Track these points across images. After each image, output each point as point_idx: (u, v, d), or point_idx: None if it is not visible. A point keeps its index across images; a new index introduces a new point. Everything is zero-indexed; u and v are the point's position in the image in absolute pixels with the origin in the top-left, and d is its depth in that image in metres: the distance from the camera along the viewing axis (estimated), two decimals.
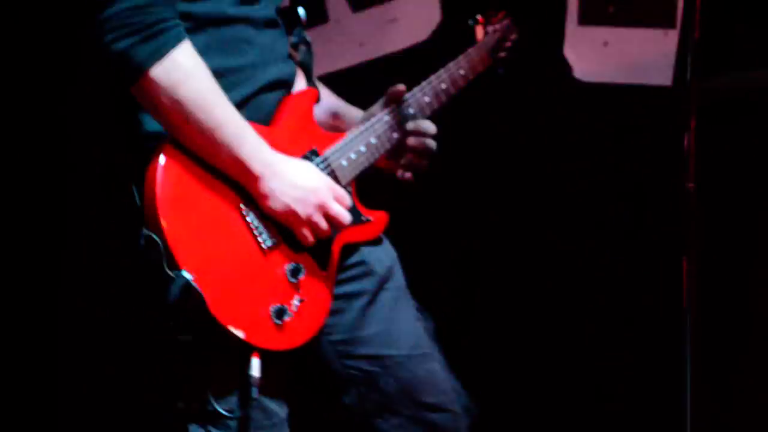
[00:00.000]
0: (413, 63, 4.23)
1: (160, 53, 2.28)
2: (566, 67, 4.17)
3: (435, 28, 4.31)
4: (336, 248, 2.54)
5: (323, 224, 2.46)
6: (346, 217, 2.50)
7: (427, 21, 4.33)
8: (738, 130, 3.82)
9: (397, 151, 2.72)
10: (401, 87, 2.71)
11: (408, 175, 2.71)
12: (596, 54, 4.16)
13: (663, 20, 4.08)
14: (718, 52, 3.63)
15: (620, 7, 4.13)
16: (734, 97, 3.77)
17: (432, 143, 2.71)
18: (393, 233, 2.71)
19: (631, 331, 4.05)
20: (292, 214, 2.42)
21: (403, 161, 2.73)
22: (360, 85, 4.24)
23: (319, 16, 4.45)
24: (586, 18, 4.17)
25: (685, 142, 2.72)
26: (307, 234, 2.45)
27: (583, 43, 4.17)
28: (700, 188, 2.76)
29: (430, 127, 2.72)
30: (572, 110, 4.16)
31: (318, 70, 4.32)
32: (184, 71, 2.30)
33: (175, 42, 2.30)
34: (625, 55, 4.13)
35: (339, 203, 2.50)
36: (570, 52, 4.18)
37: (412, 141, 2.70)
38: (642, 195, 4.04)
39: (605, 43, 4.15)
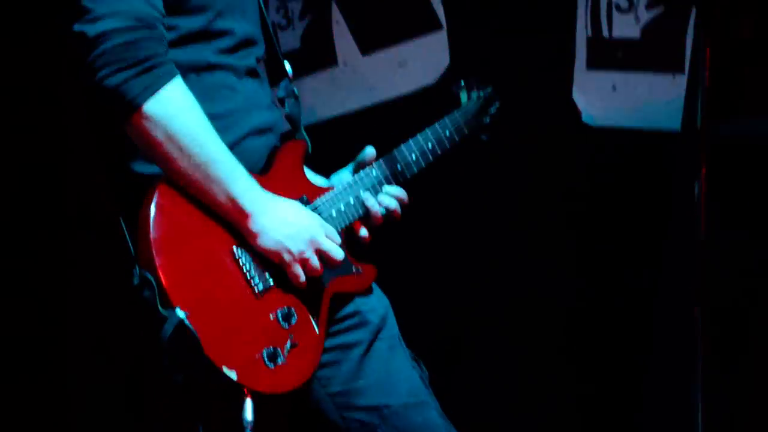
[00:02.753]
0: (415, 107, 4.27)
1: (153, 88, 2.29)
2: (575, 112, 4.18)
3: (443, 72, 4.33)
4: (328, 295, 2.55)
5: (315, 261, 2.47)
6: (338, 252, 2.51)
7: (436, 65, 4.34)
8: (748, 176, 3.82)
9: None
10: (371, 153, 2.73)
11: (366, 234, 2.69)
12: (605, 98, 4.16)
13: (671, 65, 4.08)
14: (728, 97, 3.64)
15: (628, 52, 4.14)
16: (744, 144, 3.77)
17: (399, 210, 2.71)
18: (385, 281, 2.71)
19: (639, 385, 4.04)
20: (284, 250, 2.43)
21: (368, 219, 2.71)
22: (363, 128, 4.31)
23: (329, 58, 4.48)
24: (595, 62, 4.18)
25: (696, 189, 2.72)
26: (299, 272, 2.45)
27: (592, 88, 4.18)
28: (711, 234, 2.76)
29: (402, 194, 2.73)
30: (581, 155, 4.16)
31: (327, 112, 4.41)
32: (178, 106, 2.31)
33: (168, 77, 2.31)
34: (633, 100, 4.13)
35: (330, 240, 2.51)
36: (578, 97, 4.19)
37: (385, 201, 2.70)
38: (652, 242, 4.03)
39: (614, 87, 4.16)
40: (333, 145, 2.97)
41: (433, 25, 4.35)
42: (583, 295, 4.15)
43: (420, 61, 4.37)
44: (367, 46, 4.45)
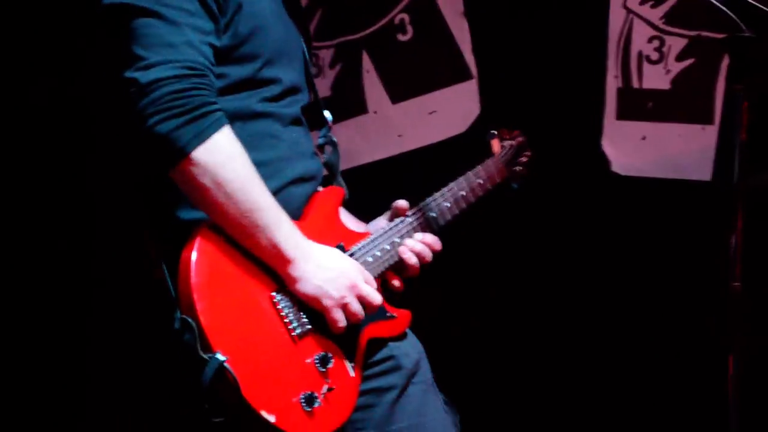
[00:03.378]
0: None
1: (203, 136, 2.32)
2: (605, 162, 4.19)
3: (473, 121, 4.35)
4: (363, 340, 2.58)
5: (355, 305, 2.49)
6: (376, 297, 2.53)
7: (466, 114, 4.37)
8: None
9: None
10: (404, 204, 2.77)
11: (399, 284, 2.72)
12: (634, 148, 4.17)
13: (700, 116, 4.10)
14: (761, 149, 3.65)
15: (658, 103, 4.16)
16: None
17: (430, 257, 2.74)
18: (420, 325, 2.74)
19: None
20: (324, 295, 2.45)
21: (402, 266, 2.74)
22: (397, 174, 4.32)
23: (358, 106, 4.50)
24: (625, 112, 4.20)
25: (732, 242, 2.72)
26: (339, 316, 2.47)
27: (622, 138, 4.19)
28: (747, 288, 2.75)
29: (436, 241, 2.77)
30: (610, 205, 4.17)
31: (358, 160, 4.42)
32: (226, 154, 2.34)
33: (217, 125, 2.34)
34: (663, 150, 4.14)
35: (369, 285, 2.53)
36: (608, 147, 4.20)
37: (418, 248, 2.73)
38: (687, 294, 4.03)
39: (643, 138, 4.17)
40: (369, 190, 2.99)
41: (463, 75, 4.38)
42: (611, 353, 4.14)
43: (450, 110, 4.39)
44: (397, 95, 4.48)
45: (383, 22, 4.46)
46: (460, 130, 4.36)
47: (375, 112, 4.51)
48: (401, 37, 4.45)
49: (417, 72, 4.45)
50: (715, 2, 2.57)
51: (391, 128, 4.47)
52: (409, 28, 4.44)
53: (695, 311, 3.98)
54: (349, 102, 4.50)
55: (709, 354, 3.55)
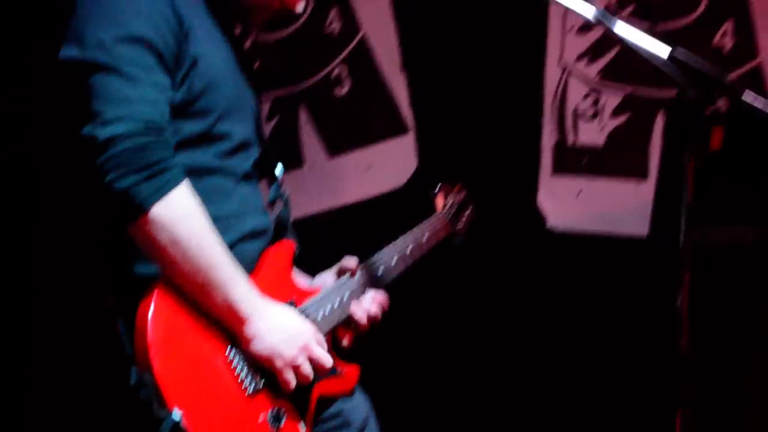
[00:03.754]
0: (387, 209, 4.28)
1: (161, 192, 2.30)
2: (542, 217, 4.21)
3: (411, 175, 4.35)
4: (314, 397, 2.58)
5: (306, 367, 2.49)
6: (328, 359, 2.53)
7: (404, 168, 4.37)
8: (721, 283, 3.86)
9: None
10: (352, 261, 2.78)
11: (347, 342, 2.75)
12: (570, 203, 4.21)
13: (635, 171, 4.14)
14: (702, 206, 3.69)
15: (593, 158, 4.20)
16: (719, 252, 3.82)
17: (380, 315, 2.76)
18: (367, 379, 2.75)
19: None
20: (276, 356, 2.44)
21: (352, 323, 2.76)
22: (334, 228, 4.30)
23: (294, 159, 4.49)
24: (560, 168, 4.23)
25: (678, 300, 2.73)
26: (290, 377, 2.47)
27: (557, 193, 4.22)
28: (693, 346, 2.77)
29: (384, 298, 2.79)
30: (552, 263, 4.18)
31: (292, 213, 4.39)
32: (184, 210, 2.33)
33: (176, 182, 2.33)
34: (599, 205, 4.18)
35: (321, 348, 2.53)
36: (544, 202, 4.23)
37: (366, 304, 2.75)
38: (633, 352, 4.04)
39: (579, 193, 4.21)
40: (306, 244, 2.97)
41: (400, 129, 4.39)
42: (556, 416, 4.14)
43: (387, 164, 4.39)
44: (334, 149, 4.47)
45: (321, 75, 4.46)
46: (397, 184, 4.37)
47: (311, 166, 4.49)
48: (338, 91, 4.45)
49: (354, 125, 4.45)
50: (656, 62, 2.60)
51: (326, 183, 4.46)
52: (347, 82, 4.44)
53: (641, 369, 4.00)
54: (285, 155, 4.48)
55: (657, 413, 3.59)
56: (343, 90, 4.45)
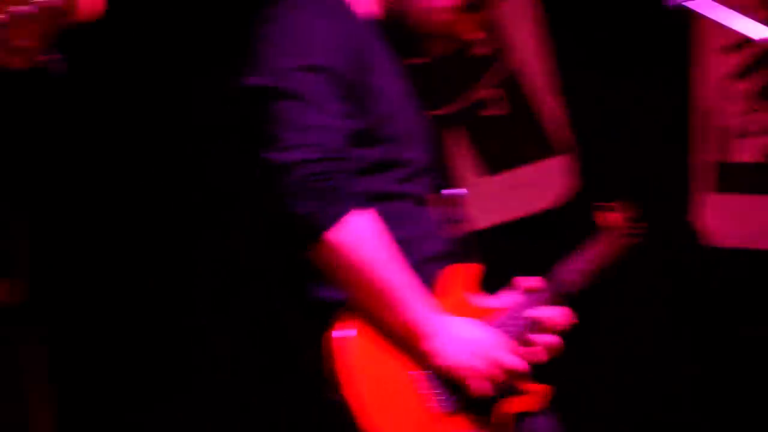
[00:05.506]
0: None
1: (337, 218, 2.32)
2: (702, 235, 4.18)
3: (567, 194, 4.36)
4: (509, 414, 2.54)
5: (499, 375, 2.47)
6: (521, 364, 2.50)
7: (558, 187, 4.38)
8: None
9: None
10: (533, 279, 2.73)
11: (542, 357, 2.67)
12: (733, 221, 4.16)
13: None
14: None
15: (754, 176, 4.16)
16: None
17: (557, 339, 2.67)
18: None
19: None
20: (465, 368, 2.44)
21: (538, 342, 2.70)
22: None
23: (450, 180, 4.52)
24: (721, 186, 4.20)
25: None
26: (483, 386, 2.45)
27: (719, 210, 4.18)
28: None
29: (570, 313, 2.71)
30: (714, 278, 4.14)
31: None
32: (361, 235, 2.35)
33: (351, 207, 2.35)
34: (760, 222, 4.14)
35: (513, 355, 2.51)
36: (705, 219, 4.19)
37: (552, 322, 2.68)
38: None
39: (741, 210, 4.16)
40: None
41: (553, 149, 4.40)
42: None
43: (545, 183, 4.40)
44: (490, 168, 4.50)
45: (474, 97, 4.50)
46: (556, 203, 4.37)
47: (467, 186, 4.53)
48: (492, 112, 4.48)
49: (508, 147, 4.47)
50: None
51: (484, 202, 4.48)
52: (501, 104, 4.47)
53: None
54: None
55: None
56: (498, 111, 4.48)
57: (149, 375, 4.29)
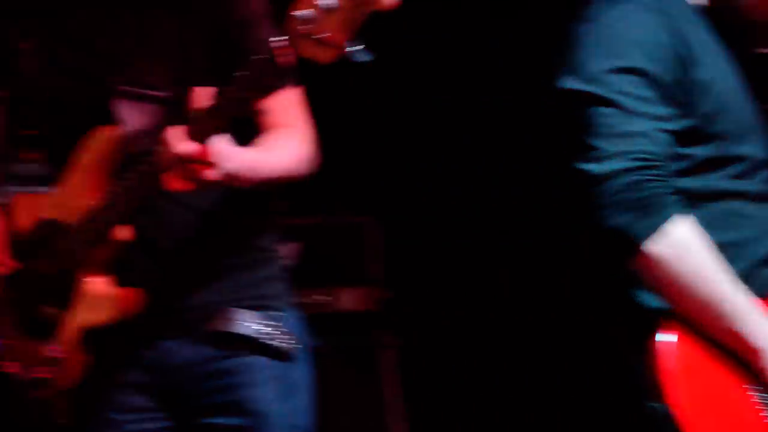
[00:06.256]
0: None
1: (654, 228, 2.25)
2: None
3: None
4: None
5: None
6: None
7: None
8: None
9: None
10: None
11: None
12: None
13: None
14: None
15: None
16: None
17: None
18: None
19: None
20: None
21: None
22: None
23: None
24: None
25: None
26: None
27: None
28: None
29: None
30: None
31: None
32: (681, 246, 2.26)
33: (671, 217, 2.26)
34: None
35: None
36: None
37: None
38: None
39: None
40: None
41: None
42: None
43: None
44: None
45: None
46: None
47: None
48: None
49: None
50: None
51: None
52: None
53: None
54: None
55: None
56: None
57: (493, 378, 4.33)
